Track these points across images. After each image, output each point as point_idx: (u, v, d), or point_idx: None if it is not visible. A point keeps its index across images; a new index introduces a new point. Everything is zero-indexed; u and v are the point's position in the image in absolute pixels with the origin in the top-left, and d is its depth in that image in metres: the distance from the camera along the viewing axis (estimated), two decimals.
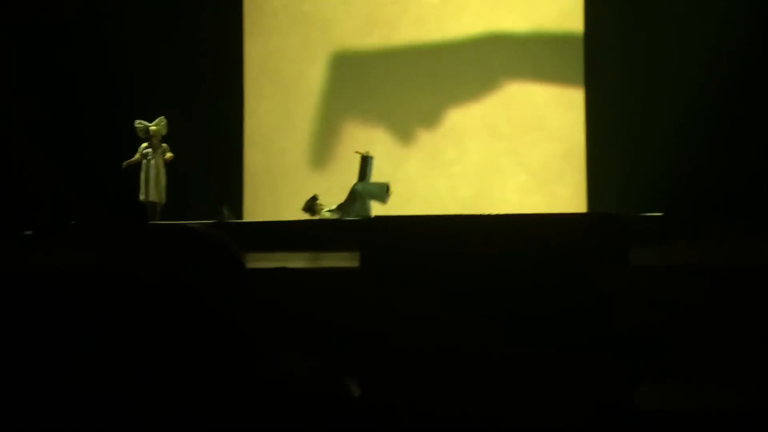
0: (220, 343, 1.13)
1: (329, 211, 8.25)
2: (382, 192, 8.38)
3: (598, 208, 8.60)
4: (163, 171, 8.61)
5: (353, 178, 9.15)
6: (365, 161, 8.50)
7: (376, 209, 8.35)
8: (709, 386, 3.01)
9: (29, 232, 8.01)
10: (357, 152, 8.62)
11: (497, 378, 2.74)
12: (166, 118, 8.69)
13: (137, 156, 8.61)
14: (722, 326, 3.27)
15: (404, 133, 9.63)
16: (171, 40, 9.57)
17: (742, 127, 8.18)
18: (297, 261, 4.86)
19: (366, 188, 8.42)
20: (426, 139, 9.60)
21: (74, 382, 1.14)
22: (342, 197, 8.52)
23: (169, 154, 8.59)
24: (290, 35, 9.93)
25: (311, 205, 8.30)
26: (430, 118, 9.58)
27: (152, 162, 8.55)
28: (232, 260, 1.18)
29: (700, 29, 8.37)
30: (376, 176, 9.09)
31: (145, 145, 8.63)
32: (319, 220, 8.13)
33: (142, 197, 8.41)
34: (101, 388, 1.11)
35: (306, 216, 8.30)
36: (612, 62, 8.89)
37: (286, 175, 9.81)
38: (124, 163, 8.61)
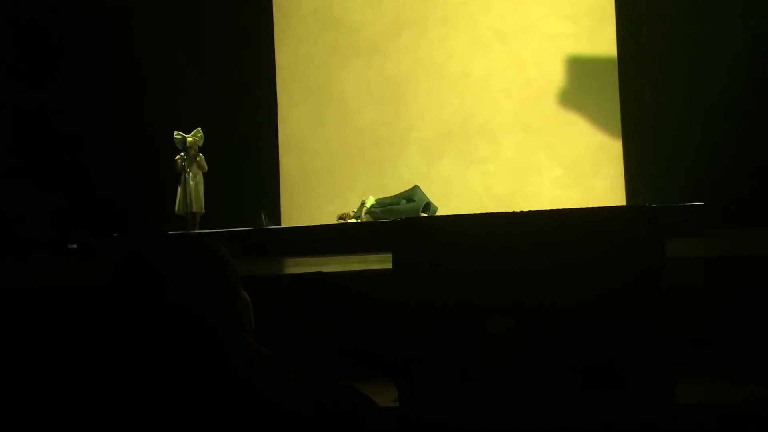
0: (207, 351, 1.15)
1: (366, 213, 8.27)
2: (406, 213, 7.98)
3: (637, 199, 8.45)
4: (200, 181, 8.71)
5: (387, 180, 9.17)
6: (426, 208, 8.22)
7: None
8: (751, 381, 2.94)
9: (73, 246, 8.22)
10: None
11: (535, 380, 2.72)
12: (201, 129, 8.81)
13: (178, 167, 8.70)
14: (763, 318, 3.20)
15: (437, 132, 9.60)
16: (202, 52, 9.72)
17: None
18: (332, 264, 4.88)
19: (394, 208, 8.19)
20: (459, 137, 9.55)
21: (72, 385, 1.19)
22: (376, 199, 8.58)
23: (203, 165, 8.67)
24: (319, 40, 10.00)
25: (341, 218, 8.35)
26: (462, 116, 9.54)
27: (190, 173, 8.66)
28: (222, 267, 1.21)
29: (739, 16, 8.15)
30: (413, 177, 9.09)
31: (182, 155, 8.74)
32: (354, 223, 8.16)
33: (177, 209, 8.51)
34: (95, 391, 1.16)
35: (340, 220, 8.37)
36: (646, 51, 8.72)
37: (321, 180, 9.88)
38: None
